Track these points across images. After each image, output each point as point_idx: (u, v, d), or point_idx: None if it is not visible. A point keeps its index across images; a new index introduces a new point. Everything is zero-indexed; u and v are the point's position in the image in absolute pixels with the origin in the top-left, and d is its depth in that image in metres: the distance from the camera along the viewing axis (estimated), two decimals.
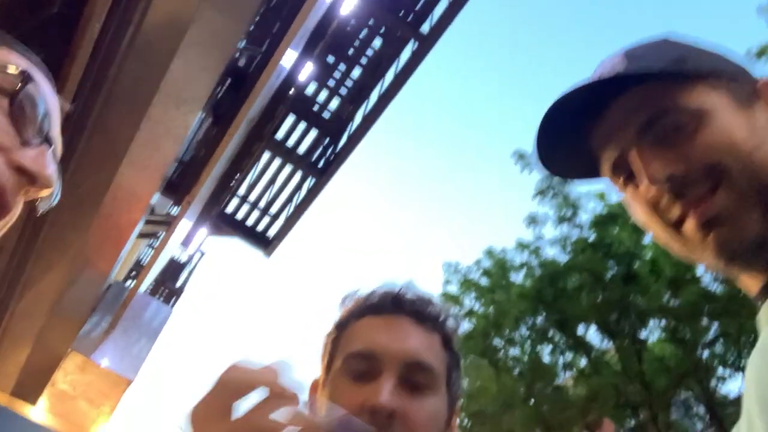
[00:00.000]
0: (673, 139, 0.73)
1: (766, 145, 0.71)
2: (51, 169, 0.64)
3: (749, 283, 0.73)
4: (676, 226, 0.73)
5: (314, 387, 0.93)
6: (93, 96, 4.32)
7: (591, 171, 0.82)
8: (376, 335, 0.88)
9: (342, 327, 0.93)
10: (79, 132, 4.45)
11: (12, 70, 0.62)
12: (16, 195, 0.62)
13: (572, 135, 0.80)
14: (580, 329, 13.73)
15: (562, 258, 13.31)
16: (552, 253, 13.54)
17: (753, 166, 0.69)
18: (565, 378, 14.30)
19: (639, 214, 0.77)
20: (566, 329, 13.51)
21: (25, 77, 0.62)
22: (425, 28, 5.76)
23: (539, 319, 13.88)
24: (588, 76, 0.79)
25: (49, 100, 0.67)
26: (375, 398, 0.80)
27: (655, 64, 0.76)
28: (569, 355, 14.14)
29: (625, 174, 0.77)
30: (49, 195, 0.68)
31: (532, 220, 13.27)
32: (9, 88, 0.61)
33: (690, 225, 0.71)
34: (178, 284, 10.50)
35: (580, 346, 13.62)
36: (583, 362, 13.91)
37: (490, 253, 14.61)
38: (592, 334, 13.76)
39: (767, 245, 0.68)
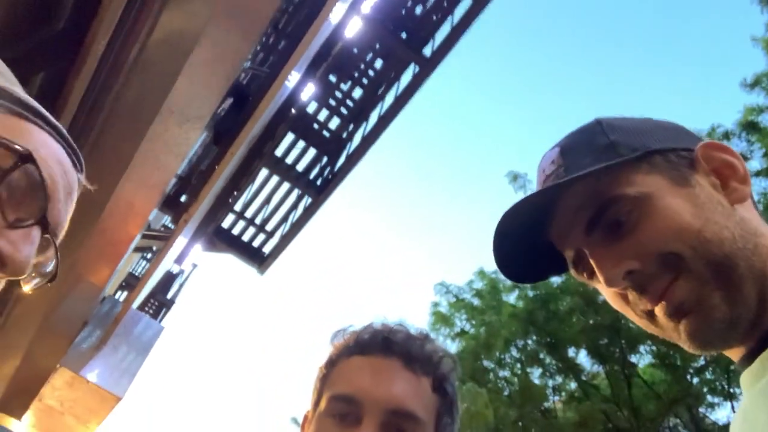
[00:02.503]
0: (619, 233, 0.70)
1: (714, 217, 0.69)
2: (25, 254, 0.59)
3: (731, 353, 0.72)
4: (649, 315, 0.71)
5: (305, 421, 0.92)
6: (95, 111, 4.30)
7: (558, 266, 0.80)
8: (361, 378, 0.85)
9: (330, 365, 0.91)
10: (79, 147, 4.41)
11: (16, 146, 0.59)
12: None
13: (530, 239, 0.77)
14: (571, 352, 13.72)
15: (555, 280, 13.35)
16: None
17: (705, 246, 0.67)
18: (554, 401, 14.26)
19: (612, 303, 0.75)
20: (556, 352, 13.50)
21: (22, 157, 0.59)
22: (427, 51, 5.80)
23: (530, 341, 13.86)
24: (538, 166, 0.80)
25: (57, 180, 0.63)
26: None
27: (588, 159, 0.73)
28: (559, 379, 14.12)
29: (586, 271, 0.75)
30: (30, 277, 0.63)
31: None
32: (4, 167, 0.58)
33: (660, 315, 0.70)
34: (169, 296, 10.41)
35: (570, 369, 13.61)
36: (572, 386, 13.88)
37: (482, 273, 14.62)
38: (582, 358, 13.77)
39: (738, 323, 0.67)
